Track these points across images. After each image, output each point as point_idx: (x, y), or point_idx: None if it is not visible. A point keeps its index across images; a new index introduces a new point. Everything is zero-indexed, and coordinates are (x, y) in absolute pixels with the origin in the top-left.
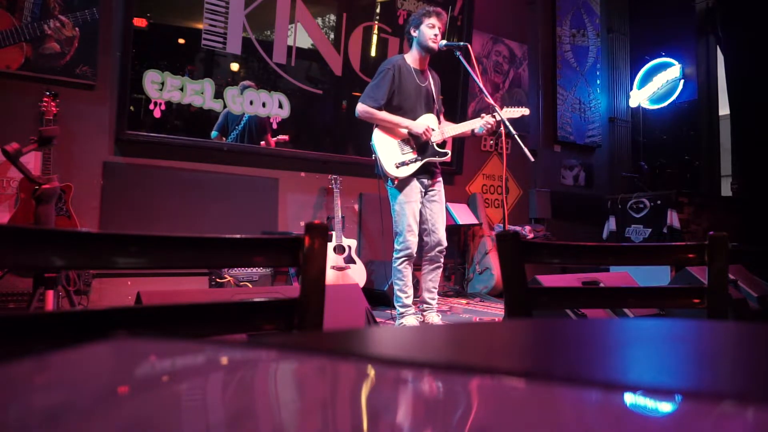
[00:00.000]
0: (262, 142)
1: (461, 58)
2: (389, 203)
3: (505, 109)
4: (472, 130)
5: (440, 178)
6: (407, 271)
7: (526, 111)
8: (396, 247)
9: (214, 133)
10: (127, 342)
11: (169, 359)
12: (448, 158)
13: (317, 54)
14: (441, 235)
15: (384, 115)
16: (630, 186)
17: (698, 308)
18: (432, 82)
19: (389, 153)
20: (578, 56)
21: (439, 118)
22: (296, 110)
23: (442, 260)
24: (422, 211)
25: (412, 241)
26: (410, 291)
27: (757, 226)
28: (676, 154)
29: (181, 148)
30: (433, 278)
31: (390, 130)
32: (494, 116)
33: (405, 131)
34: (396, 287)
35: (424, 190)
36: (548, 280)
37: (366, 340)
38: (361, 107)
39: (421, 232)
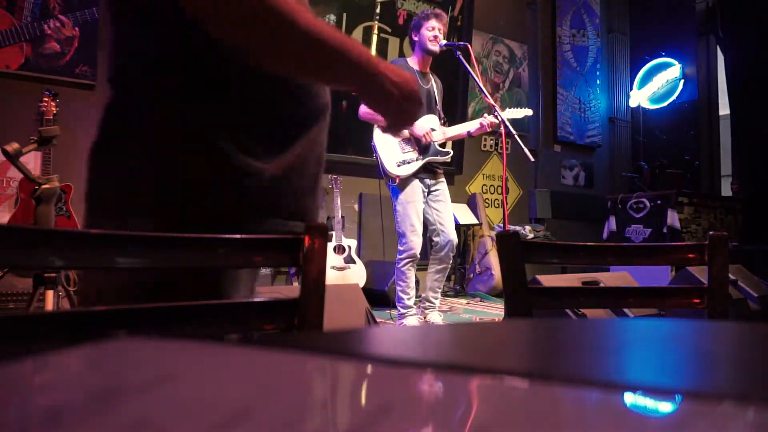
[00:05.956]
0: None
1: (461, 58)
2: (390, 203)
3: (507, 109)
4: (468, 131)
5: (443, 178)
6: (410, 272)
7: (528, 112)
8: (399, 248)
9: None
10: (127, 342)
11: (169, 359)
12: (449, 158)
13: None
14: (450, 234)
15: None
16: (630, 186)
17: (698, 308)
18: (435, 86)
19: (390, 152)
20: (578, 56)
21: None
22: None
23: (450, 260)
24: (428, 213)
25: (416, 242)
26: (413, 292)
27: (757, 226)
28: (676, 154)
29: None
30: (438, 278)
31: None
32: (495, 116)
33: (406, 131)
34: (398, 288)
35: (426, 190)
36: (548, 280)
37: (366, 339)
38: (362, 108)
39: (430, 234)
